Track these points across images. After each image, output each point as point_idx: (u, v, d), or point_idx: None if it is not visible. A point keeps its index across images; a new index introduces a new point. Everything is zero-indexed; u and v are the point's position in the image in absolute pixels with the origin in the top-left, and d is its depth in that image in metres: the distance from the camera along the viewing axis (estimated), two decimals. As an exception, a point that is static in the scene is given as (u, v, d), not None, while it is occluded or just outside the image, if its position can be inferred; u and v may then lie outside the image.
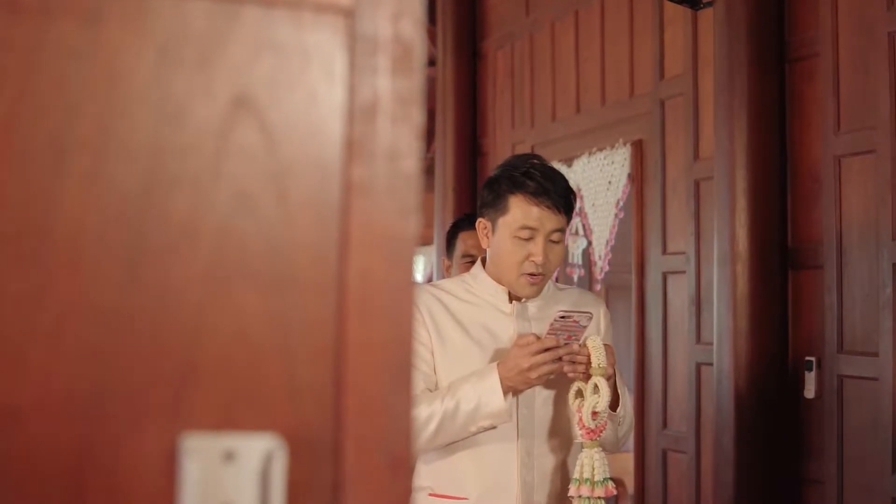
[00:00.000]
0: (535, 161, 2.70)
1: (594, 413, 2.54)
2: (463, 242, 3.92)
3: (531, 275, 2.63)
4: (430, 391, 2.61)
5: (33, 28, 0.76)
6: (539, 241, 2.60)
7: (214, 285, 0.79)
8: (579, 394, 2.58)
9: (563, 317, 2.51)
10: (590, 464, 2.56)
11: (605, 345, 2.57)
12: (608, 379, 2.55)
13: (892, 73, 3.80)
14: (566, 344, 2.53)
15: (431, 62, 7.92)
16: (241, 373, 0.79)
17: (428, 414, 2.54)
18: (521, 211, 2.61)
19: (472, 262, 3.81)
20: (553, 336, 2.52)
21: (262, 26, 0.81)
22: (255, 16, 0.81)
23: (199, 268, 0.78)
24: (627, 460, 5.42)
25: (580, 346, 2.55)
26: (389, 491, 0.81)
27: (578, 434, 2.57)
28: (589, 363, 2.54)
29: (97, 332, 0.76)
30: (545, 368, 2.52)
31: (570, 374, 2.55)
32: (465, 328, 2.67)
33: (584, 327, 2.54)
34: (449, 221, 7.25)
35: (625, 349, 5.27)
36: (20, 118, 0.76)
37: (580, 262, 5.85)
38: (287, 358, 0.80)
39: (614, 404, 2.62)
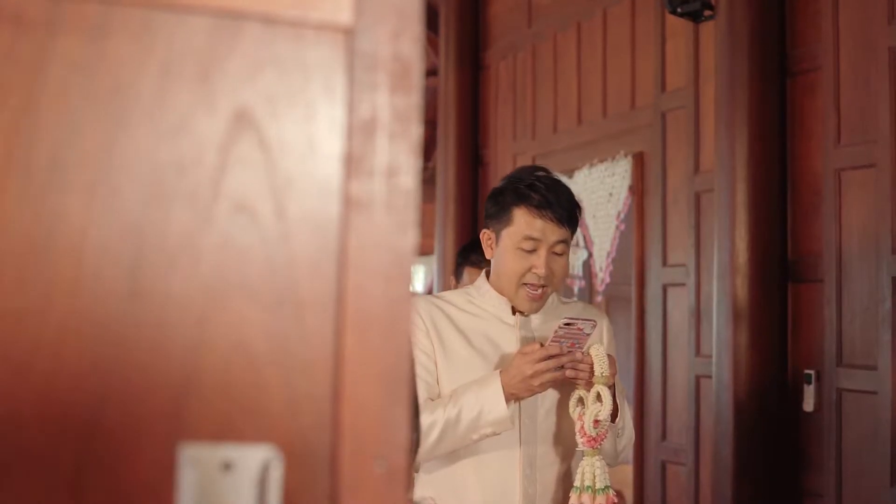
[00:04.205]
0: (541, 173, 2.70)
1: (596, 421, 2.54)
2: (469, 276, 3.91)
3: (532, 287, 2.63)
4: (433, 400, 2.62)
5: (38, 41, 0.77)
6: (542, 253, 2.61)
7: (214, 298, 0.79)
8: (580, 402, 2.59)
9: (567, 324, 2.51)
10: (591, 471, 2.57)
11: (607, 355, 2.58)
12: (610, 388, 2.56)
13: (892, 87, 3.81)
14: (569, 352, 2.54)
15: (434, 72, 7.93)
16: (240, 384, 0.79)
17: (430, 422, 2.54)
18: (524, 222, 2.62)
19: None
20: (557, 343, 2.52)
21: (264, 43, 0.81)
22: (257, 32, 0.81)
23: (199, 281, 0.79)
24: (627, 472, 5.42)
25: (583, 354, 2.56)
26: (385, 501, 0.82)
27: (580, 442, 2.58)
28: (592, 372, 2.55)
29: (99, 343, 0.76)
30: (548, 376, 2.52)
31: (573, 381, 2.56)
32: (468, 338, 2.67)
33: (588, 335, 2.54)
34: (450, 231, 7.27)
35: (625, 361, 5.27)
36: (23, 130, 0.76)
37: (581, 274, 5.86)
38: (285, 370, 0.80)
39: (613, 415, 2.62)
